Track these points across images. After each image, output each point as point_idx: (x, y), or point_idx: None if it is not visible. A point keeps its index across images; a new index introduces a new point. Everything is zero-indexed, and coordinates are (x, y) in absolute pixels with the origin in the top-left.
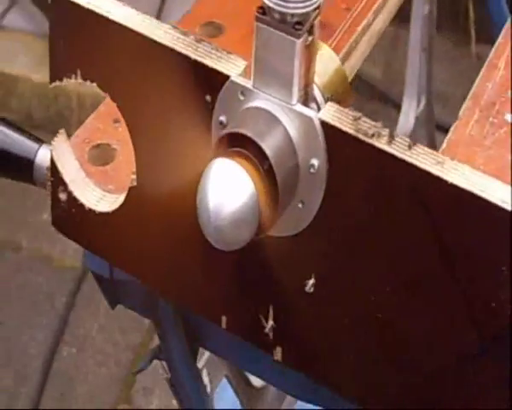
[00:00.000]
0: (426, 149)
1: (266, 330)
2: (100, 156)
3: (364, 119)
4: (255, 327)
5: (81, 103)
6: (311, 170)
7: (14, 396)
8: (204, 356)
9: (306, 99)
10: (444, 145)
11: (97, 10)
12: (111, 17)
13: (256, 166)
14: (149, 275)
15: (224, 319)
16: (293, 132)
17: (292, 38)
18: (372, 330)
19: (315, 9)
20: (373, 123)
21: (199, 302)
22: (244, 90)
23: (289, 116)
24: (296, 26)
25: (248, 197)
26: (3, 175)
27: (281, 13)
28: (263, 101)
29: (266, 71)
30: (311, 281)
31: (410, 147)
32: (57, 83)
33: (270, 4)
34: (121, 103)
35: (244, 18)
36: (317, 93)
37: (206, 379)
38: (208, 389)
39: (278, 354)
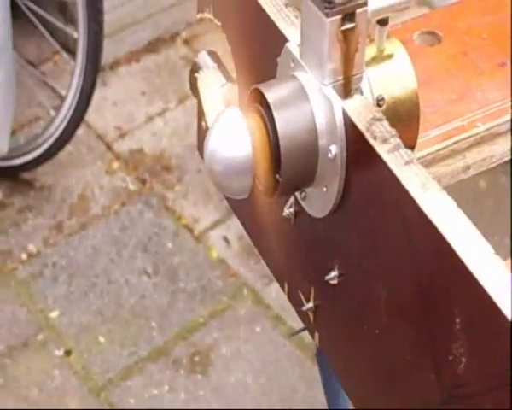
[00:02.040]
0: (423, 171)
1: (304, 308)
2: None
3: (385, 123)
4: (301, 304)
5: None
6: (329, 155)
7: None
8: None
9: (348, 87)
10: None
11: None
12: None
13: (267, 131)
14: (247, 223)
15: (286, 286)
16: (317, 113)
17: (321, 15)
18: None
19: None
20: (390, 129)
21: (274, 265)
22: (294, 59)
23: (318, 96)
24: (326, 4)
25: (243, 153)
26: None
27: None
28: (303, 74)
29: (308, 45)
30: (335, 272)
31: (407, 163)
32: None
33: None
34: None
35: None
36: (365, 87)
37: None
38: None
39: (316, 338)
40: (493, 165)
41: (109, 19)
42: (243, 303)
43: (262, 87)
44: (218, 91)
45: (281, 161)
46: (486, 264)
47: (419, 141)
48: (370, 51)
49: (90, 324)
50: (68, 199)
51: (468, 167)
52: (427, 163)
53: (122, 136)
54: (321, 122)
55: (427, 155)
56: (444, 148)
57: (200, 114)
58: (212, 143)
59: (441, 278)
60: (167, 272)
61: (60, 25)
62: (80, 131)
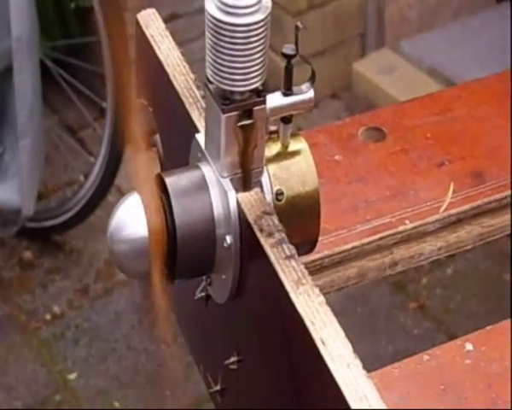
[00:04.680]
0: (301, 266)
1: (212, 390)
2: None
3: (274, 217)
4: (210, 386)
5: None
6: (225, 244)
7: None
8: None
9: (247, 181)
10: None
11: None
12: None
13: (166, 217)
14: (172, 304)
15: (201, 367)
16: (215, 204)
17: (219, 110)
18: None
19: (258, 95)
20: (277, 223)
21: (192, 346)
22: (200, 149)
23: (216, 188)
24: (223, 100)
25: (138, 236)
26: None
27: (218, 85)
28: (206, 165)
29: (210, 137)
30: (234, 358)
31: (288, 258)
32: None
33: (209, 75)
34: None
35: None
36: (265, 181)
37: None
38: None
39: None
40: (422, 263)
41: None
42: None
43: (164, 174)
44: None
45: (177, 247)
46: (344, 362)
47: (346, 234)
48: (275, 147)
49: (106, 388)
50: (95, 264)
51: (395, 263)
52: (353, 256)
53: None
54: (219, 212)
55: (352, 248)
56: (370, 242)
57: None
58: (112, 225)
59: (306, 370)
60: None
61: (89, 93)
62: (112, 198)
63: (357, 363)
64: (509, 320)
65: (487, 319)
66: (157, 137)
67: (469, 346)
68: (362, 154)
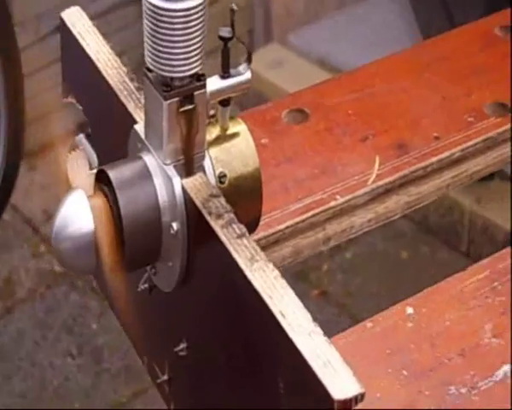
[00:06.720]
0: (253, 243)
1: (159, 381)
2: None
3: (221, 199)
4: (157, 377)
5: (472, 222)
6: (172, 231)
7: None
8: None
9: (190, 166)
10: None
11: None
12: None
13: (111, 210)
14: (111, 299)
15: (145, 359)
16: (160, 192)
17: (160, 98)
18: None
19: (198, 80)
20: (225, 205)
21: (135, 339)
22: (140, 140)
23: (160, 175)
24: (164, 87)
25: (84, 231)
26: None
27: (157, 73)
28: (148, 154)
29: (151, 126)
30: (183, 344)
31: (239, 236)
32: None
33: (148, 63)
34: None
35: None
36: (207, 165)
37: None
38: None
39: (172, 408)
40: (353, 236)
41: (34, 103)
42: None
43: (106, 167)
44: (87, 174)
45: (124, 239)
46: (305, 332)
47: (279, 214)
48: (214, 130)
49: (13, 407)
50: None
51: (328, 239)
52: (287, 236)
53: (49, 219)
54: (163, 200)
55: (286, 227)
56: (303, 220)
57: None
58: (57, 223)
59: (266, 345)
60: (91, 353)
61: None
62: (7, 216)
63: (318, 331)
64: (444, 281)
65: (388, 299)
66: (81, 137)
67: (410, 310)
68: (287, 136)
